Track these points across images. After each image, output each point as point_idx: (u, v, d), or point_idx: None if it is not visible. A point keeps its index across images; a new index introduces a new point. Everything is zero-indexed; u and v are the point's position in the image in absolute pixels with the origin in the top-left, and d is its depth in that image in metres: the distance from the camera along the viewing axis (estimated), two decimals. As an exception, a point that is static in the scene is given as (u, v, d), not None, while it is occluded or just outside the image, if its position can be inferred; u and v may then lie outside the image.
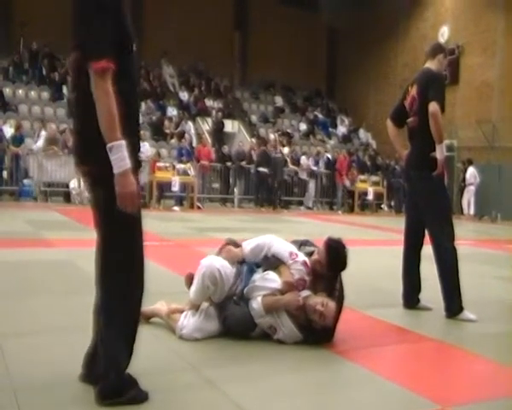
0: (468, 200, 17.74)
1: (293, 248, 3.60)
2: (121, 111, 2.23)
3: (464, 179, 17.90)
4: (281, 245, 3.60)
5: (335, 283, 3.52)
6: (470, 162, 17.89)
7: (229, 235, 4.12)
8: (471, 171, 17.66)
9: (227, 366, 2.98)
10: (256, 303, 3.37)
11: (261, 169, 16.44)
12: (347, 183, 17.89)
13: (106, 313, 2.41)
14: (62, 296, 4.37)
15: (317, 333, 3.36)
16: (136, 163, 2.39)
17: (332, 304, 3.34)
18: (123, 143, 2.23)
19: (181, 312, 3.53)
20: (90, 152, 2.37)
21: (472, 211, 17.62)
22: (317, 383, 2.85)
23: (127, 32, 2.37)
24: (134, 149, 2.35)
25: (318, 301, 3.33)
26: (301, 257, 3.52)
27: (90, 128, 2.28)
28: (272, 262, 3.53)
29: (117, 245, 2.38)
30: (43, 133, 14.87)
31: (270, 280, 3.44)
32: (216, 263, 3.43)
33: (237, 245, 3.72)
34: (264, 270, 3.52)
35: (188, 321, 3.40)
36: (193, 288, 3.48)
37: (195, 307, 3.50)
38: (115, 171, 2.23)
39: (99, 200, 2.42)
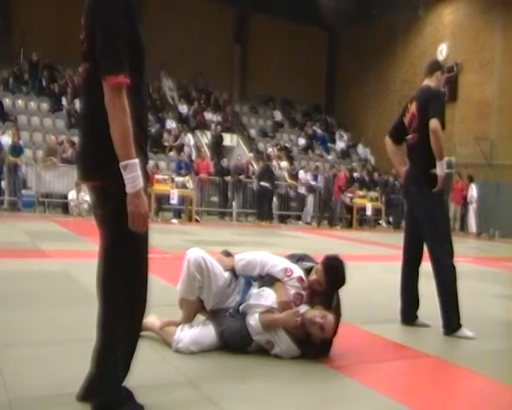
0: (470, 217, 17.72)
1: (288, 264, 3.55)
2: (132, 127, 2.19)
3: (465, 197, 17.87)
4: (274, 263, 3.53)
5: (332, 298, 3.50)
6: (471, 179, 17.88)
7: (228, 249, 4.10)
8: (472, 188, 17.66)
9: (225, 381, 2.95)
10: (253, 320, 3.34)
11: (263, 184, 16.40)
12: (347, 199, 17.85)
13: (107, 326, 2.36)
14: (58, 308, 4.34)
15: (316, 347, 3.34)
16: (145, 179, 2.33)
17: (331, 316, 3.33)
18: (137, 161, 2.20)
19: (175, 324, 3.50)
20: (99, 167, 2.31)
21: (474, 229, 17.56)
22: (315, 400, 2.82)
23: (140, 47, 2.31)
24: (144, 167, 2.31)
25: (317, 314, 3.30)
26: (297, 273, 3.48)
27: (99, 142, 2.25)
28: (267, 280, 3.51)
29: (122, 259, 2.34)
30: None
31: (266, 298, 3.41)
32: (200, 253, 3.46)
33: (229, 255, 3.72)
34: (260, 286, 3.49)
35: (184, 334, 3.37)
36: (180, 279, 3.47)
37: (190, 320, 3.50)
38: (129, 190, 2.19)
39: (107, 215, 2.36)
